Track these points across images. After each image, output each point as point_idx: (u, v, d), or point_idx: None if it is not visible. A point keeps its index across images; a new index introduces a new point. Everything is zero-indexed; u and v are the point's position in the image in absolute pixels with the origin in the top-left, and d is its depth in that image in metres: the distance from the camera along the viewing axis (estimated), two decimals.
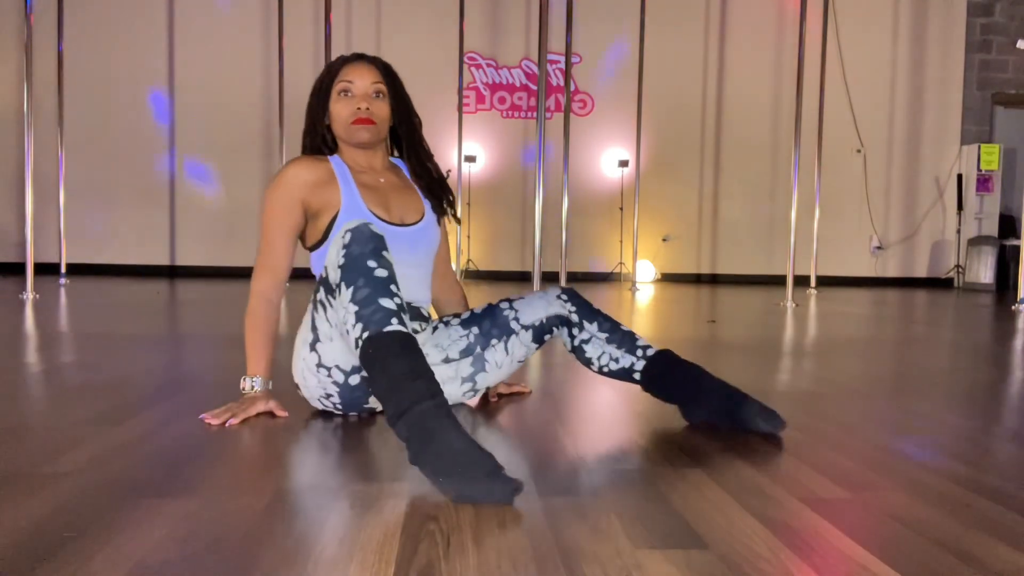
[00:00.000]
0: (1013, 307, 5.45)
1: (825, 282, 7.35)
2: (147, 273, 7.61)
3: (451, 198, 1.99)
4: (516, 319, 1.88)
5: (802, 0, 5.59)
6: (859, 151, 8.29)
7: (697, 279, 8.25)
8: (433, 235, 1.94)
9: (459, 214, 2.07)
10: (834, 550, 1.08)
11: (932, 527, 1.17)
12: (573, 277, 6.01)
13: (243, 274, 7.56)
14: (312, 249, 1.85)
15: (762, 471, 1.45)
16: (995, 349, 3.46)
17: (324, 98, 1.83)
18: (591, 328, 1.86)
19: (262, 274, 1.82)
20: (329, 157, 1.86)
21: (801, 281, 6.27)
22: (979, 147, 8.12)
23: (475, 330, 1.88)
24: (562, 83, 7.35)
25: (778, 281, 6.61)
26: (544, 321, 1.87)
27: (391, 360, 1.35)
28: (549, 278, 5.14)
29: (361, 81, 1.81)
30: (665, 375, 1.81)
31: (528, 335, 1.88)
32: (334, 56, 5.84)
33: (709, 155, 8.25)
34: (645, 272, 7.88)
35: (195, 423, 1.72)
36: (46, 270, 6.72)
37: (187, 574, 0.97)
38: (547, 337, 1.90)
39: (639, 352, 1.83)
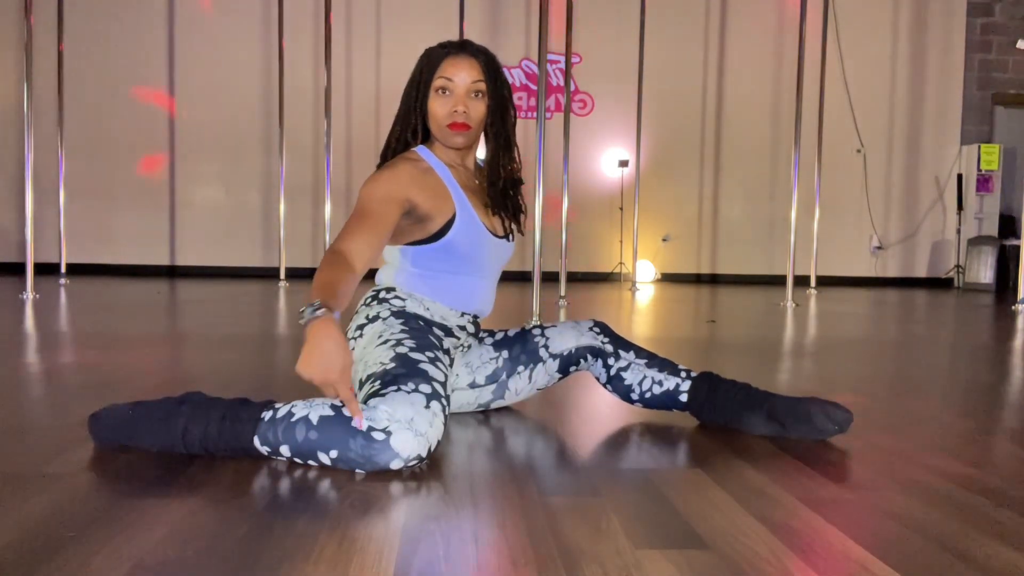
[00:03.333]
0: (1013, 307, 5.45)
1: (825, 282, 7.34)
2: (147, 273, 7.61)
3: (523, 213, 1.86)
4: (546, 347, 1.84)
5: (802, 0, 5.59)
6: (859, 151, 8.28)
7: (697, 279, 8.24)
8: (511, 250, 1.87)
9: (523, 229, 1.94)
10: (834, 550, 1.08)
11: (932, 527, 1.17)
12: (573, 277, 6.00)
13: (243, 274, 7.60)
14: (412, 244, 1.72)
15: (762, 471, 1.45)
16: (995, 349, 3.46)
17: (424, 91, 1.71)
18: (628, 356, 1.82)
19: (347, 239, 1.53)
20: (421, 149, 1.76)
21: (801, 281, 6.27)
22: (979, 147, 8.11)
23: (505, 354, 1.85)
24: (562, 83, 7.35)
25: (778, 281, 6.61)
26: (573, 351, 1.84)
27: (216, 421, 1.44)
28: (549, 278, 5.14)
29: (462, 79, 1.68)
30: (715, 391, 1.75)
31: (555, 364, 1.85)
32: (333, 55, 5.87)
33: (709, 155, 8.24)
34: (645, 272, 7.87)
35: None
36: (46, 270, 6.71)
37: (187, 574, 0.97)
38: (573, 369, 1.86)
39: (683, 374, 1.80)
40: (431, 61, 1.71)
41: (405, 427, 1.36)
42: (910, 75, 8.32)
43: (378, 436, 1.35)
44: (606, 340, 1.84)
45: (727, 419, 1.74)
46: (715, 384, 1.77)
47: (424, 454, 1.38)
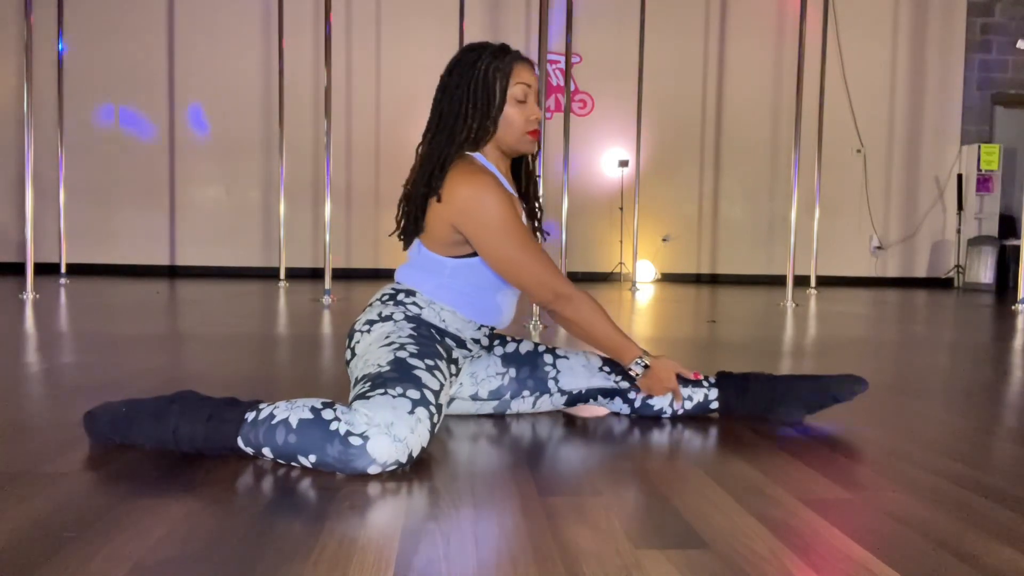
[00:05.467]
0: (1013, 307, 5.44)
1: (825, 282, 7.34)
2: (147, 273, 7.61)
3: (541, 217, 1.88)
4: (555, 379, 1.82)
5: (802, 0, 5.59)
6: (859, 151, 8.28)
7: (697, 279, 8.24)
8: None
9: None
10: (834, 550, 1.08)
11: (932, 527, 1.17)
12: (573, 277, 6.00)
13: (243, 274, 7.60)
14: (459, 256, 1.69)
15: (762, 471, 1.45)
16: (995, 349, 3.46)
17: (501, 98, 1.65)
18: None
19: (559, 275, 1.68)
20: (479, 157, 1.70)
21: (801, 281, 6.27)
22: (979, 147, 8.12)
23: (512, 372, 1.82)
24: (562, 83, 7.35)
25: (778, 281, 6.61)
26: (584, 391, 1.83)
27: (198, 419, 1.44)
28: None
29: (534, 87, 1.69)
30: (743, 391, 1.83)
31: (562, 399, 1.84)
32: (333, 56, 5.84)
33: (709, 155, 8.24)
34: (645, 272, 7.87)
35: None
36: (46, 270, 6.71)
37: (187, 574, 0.97)
38: (580, 404, 1.87)
39: (704, 383, 1.85)
40: (503, 67, 1.65)
41: (383, 432, 1.34)
42: (910, 75, 8.32)
43: (355, 441, 1.34)
44: (619, 378, 1.83)
45: (757, 413, 1.85)
46: (741, 386, 1.84)
47: (404, 460, 1.36)
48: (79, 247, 7.33)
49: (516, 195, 1.75)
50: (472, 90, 1.65)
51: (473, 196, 1.60)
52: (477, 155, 1.70)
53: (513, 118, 1.66)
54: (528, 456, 1.56)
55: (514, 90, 1.65)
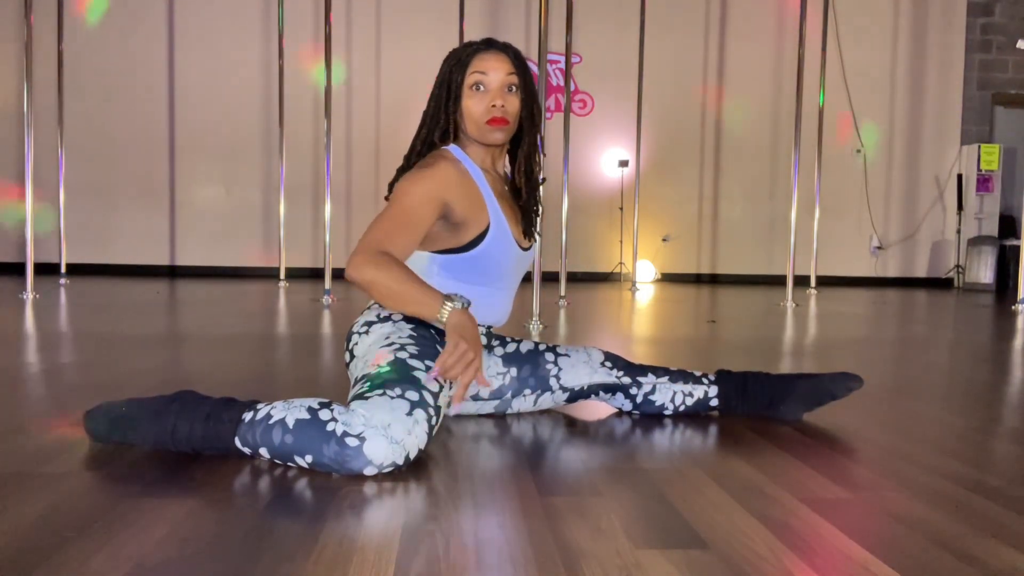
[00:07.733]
0: (1013, 307, 5.44)
1: (825, 282, 7.34)
2: (147, 273, 7.61)
3: (540, 216, 1.85)
4: (557, 377, 1.82)
5: (802, 0, 5.59)
6: (859, 151, 8.28)
7: (697, 279, 8.24)
8: (531, 259, 1.84)
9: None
10: (834, 550, 1.08)
11: (932, 527, 1.17)
12: (573, 277, 5.99)
13: (243, 274, 7.60)
14: (443, 252, 1.69)
15: (762, 471, 1.45)
16: (995, 349, 3.46)
17: (456, 90, 1.66)
18: (649, 379, 1.85)
19: (389, 243, 1.53)
20: (454, 149, 1.71)
21: (801, 281, 6.26)
22: (979, 147, 8.11)
23: (513, 371, 1.82)
24: (562, 83, 7.35)
25: (778, 281, 6.61)
26: (586, 388, 1.84)
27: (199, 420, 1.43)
28: (549, 278, 5.14)
29: (495, 74, 1.64)
30: (742, 389, 1.85)
31: (564, 396, 1.84)
32: (334, 55, 5.84)
33: (709, 155, 8.24)
34: (645, 272, 7.87)
35: None
36: (46, 270, 6.71)
37: (187, 574, 0.97)
38: (582, 400, 1.88)
39: (704, 380, 1.86)
40: (460, 60, 1.67)
41: (380, 433, 1.34)
42: (910, 75, 8.32)
43: (351, 442, 1.33)
44: (621, 373, 1.84)
45: (756, 411, 1.86)
46: (740, 385, 1.85)
47: (400, 462, 1.36)
48: (79, 247, 7.32)
49: (491, 197, 1.70)
50: (437, 87, 1.70)
51: (403, 181, 1.64)
52: (455, 148, 1.71)
53: (471, 109, 1.66)
54: (528, 456, 1.56)
55: (468, 80, 1.65)
